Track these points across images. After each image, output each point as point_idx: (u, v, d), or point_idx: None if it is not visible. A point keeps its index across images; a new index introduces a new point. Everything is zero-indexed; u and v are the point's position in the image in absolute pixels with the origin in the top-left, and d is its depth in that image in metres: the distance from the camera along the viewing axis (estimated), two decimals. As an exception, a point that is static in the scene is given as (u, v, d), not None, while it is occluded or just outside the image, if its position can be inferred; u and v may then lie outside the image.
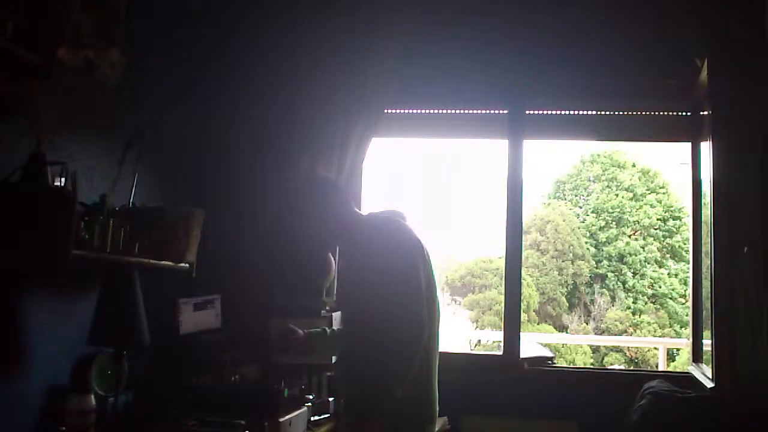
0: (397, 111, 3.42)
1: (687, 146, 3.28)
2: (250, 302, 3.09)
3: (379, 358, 1.92)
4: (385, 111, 3.24)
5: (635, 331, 12.21)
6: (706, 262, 2.95)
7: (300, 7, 3.27)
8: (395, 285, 1.97)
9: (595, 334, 12.31)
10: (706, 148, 2.99)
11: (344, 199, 2.21)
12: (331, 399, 2.89)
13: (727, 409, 2.53)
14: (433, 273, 2.14)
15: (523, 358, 3.23)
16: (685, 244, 12.57)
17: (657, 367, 9.78)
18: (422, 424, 2.08)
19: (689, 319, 3.48)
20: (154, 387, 2.54)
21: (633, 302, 12.77)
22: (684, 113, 3.28)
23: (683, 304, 12.00)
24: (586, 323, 12.65)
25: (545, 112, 3.41)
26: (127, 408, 2.45)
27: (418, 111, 3.49)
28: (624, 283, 12.91)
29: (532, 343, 6.44)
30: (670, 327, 12.19)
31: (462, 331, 11.22)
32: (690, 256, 3.33)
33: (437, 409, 2.13)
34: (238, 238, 3.19)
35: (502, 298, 3.35)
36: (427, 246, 2.15)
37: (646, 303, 12.69)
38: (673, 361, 10.16)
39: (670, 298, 12.57)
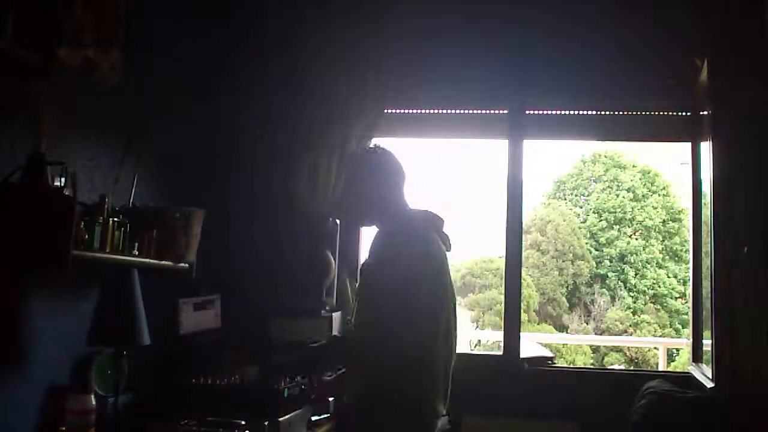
0: (397, 111, 3.42)
1: (687, 146, 3.29)
2: (250, 302, 3.09)
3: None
4: (385, 111, 3.24)
5: (635, 331, 12.20)
6: (706, 262, 2.95)
7: (300, 6, 3.27)
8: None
9: (596, 334, 12.29)
10: (706, 148, 2.99)
11: (391, 181, 2.19)
12: (331, 399, 2.89)
13: (727, 409, 2.53)
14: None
15: (523, 358, 3.23)
16: (683, 246, 12.56)
17: (657, 367, 9.77)
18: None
19: (689, 319, 3.48)
20: (154, 387, 2.54)
21: (633, 302, 12.75)
22: (684, 113, 3.28)
23: (683, 304, 11.99)
24: (587, 323, 12.64)
25: (545, 112, 3.41)
26: (127, 408, 2.44)
27: (418, 111, 3.49)
28: (625, 282, 12.89)
29: (532, 343, 6.43)
30: (671, 327, 12.17)
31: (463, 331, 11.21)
32: (690, 256, 3.33)
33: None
34: (238, 238, 3.19)
35: (503, 298, 3.35)
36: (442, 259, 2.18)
37: (646, 303, 12.67)
38: (673, 361, 10.14)
39: (670, 298, 12.56)
